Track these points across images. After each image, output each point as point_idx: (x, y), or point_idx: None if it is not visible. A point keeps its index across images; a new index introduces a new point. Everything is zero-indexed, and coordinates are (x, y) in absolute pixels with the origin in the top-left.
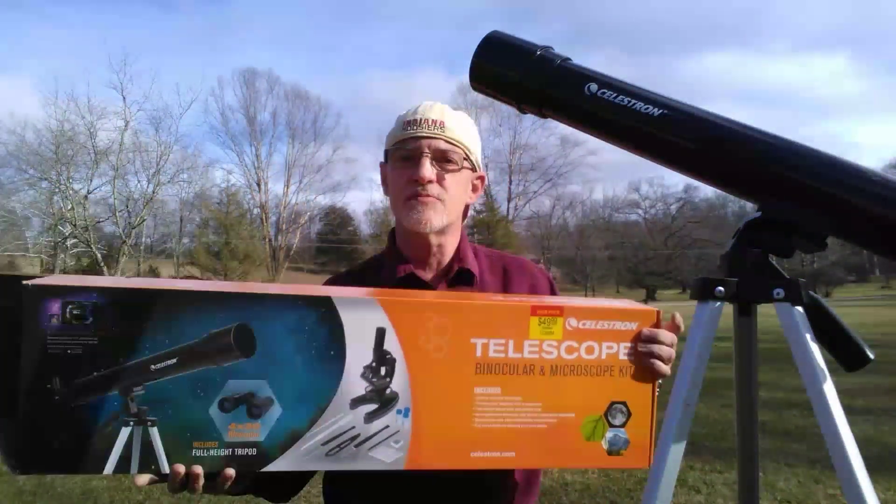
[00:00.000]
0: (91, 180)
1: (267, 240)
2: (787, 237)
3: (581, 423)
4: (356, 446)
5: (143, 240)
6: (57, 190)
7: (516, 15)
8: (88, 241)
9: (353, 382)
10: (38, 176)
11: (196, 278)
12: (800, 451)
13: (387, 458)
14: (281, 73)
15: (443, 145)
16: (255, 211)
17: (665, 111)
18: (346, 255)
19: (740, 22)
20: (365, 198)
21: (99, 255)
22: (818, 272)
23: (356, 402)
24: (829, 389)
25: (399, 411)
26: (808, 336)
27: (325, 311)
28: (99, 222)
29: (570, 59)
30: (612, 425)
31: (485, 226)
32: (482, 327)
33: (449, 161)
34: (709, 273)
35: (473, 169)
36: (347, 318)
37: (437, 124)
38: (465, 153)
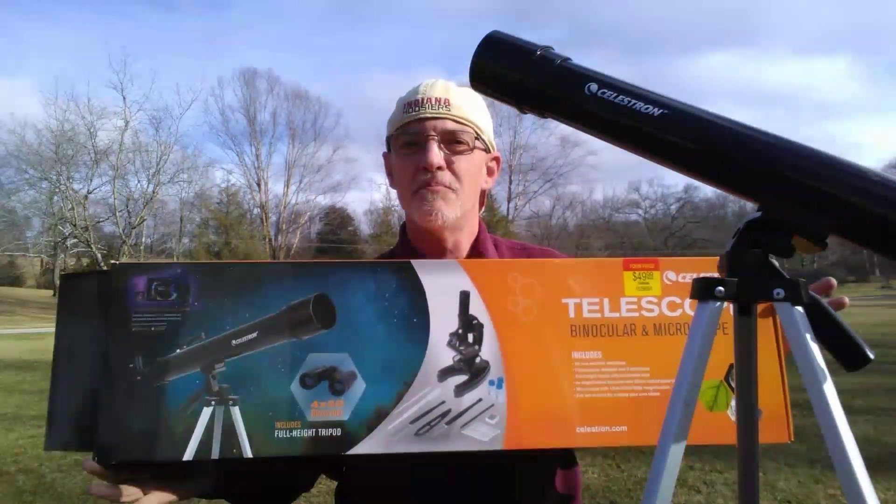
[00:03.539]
0: (91, 180)
1: (267, 240)
2: (787, 237)
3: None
4: (447, 423)
5: (143, 240)
6: (57, 190)
7: (515, 15)
8: (88, 241)
9: (440, 352)
10: (38, 176)
11: None
12: (800, 451)
13: (483, 436)
14: (281, 73)
15: (450, 125)
16: (255, 211)
17: (665, 111)
18: (347, 255)
19: (741, 24)
20: (365, 198)
21: (99, 255)
22: (818, 272)
23: (444, 373)
24: (829, 389)
25: (492, 382)
26: (808, 336)
27: (405, 275)
28: (99, 222)
29: (570, 58)
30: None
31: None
32: (573, 286)
33: (458, 142)
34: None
35: (487, 150)
36: (428, 282)
37: (442, 102)
38: (476, 132)
